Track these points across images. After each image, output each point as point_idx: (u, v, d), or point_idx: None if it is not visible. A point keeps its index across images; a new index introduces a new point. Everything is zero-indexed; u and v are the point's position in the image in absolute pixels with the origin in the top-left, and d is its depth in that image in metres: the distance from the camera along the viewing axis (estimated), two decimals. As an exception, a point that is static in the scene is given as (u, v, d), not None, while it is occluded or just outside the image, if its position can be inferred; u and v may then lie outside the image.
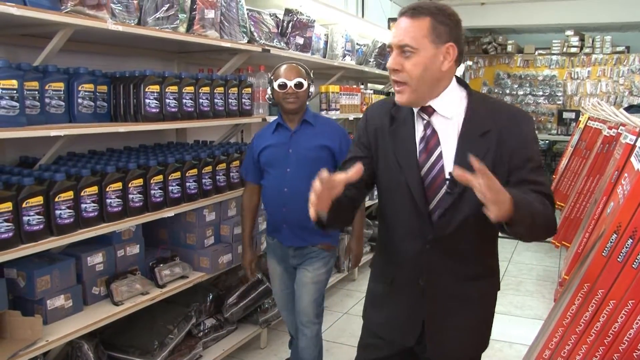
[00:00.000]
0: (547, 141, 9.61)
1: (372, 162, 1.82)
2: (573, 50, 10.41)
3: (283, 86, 2.70)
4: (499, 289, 1.89)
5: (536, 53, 10.91)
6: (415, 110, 1.73)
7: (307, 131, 2.79)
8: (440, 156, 1.68)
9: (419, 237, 1.73)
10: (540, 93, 10.97)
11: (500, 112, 1.69)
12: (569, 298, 1.91)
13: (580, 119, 5.90)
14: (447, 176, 1.66)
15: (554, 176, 6.06)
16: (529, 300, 4.79)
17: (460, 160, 1.60)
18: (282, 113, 2.83)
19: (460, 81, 1.73)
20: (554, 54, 10.72)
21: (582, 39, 10.32)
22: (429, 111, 1.69)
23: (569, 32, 10.29)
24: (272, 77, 2.78)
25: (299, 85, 2.72)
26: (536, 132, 1.81)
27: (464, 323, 1.78)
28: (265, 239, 3.14)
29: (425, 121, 1.71)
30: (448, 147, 1.67)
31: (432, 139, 1.69)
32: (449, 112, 1.68)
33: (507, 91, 11.24)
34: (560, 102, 10.81)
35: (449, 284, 1.76)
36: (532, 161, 1.66)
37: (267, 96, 2.90)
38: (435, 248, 1.72)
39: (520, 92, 11.13)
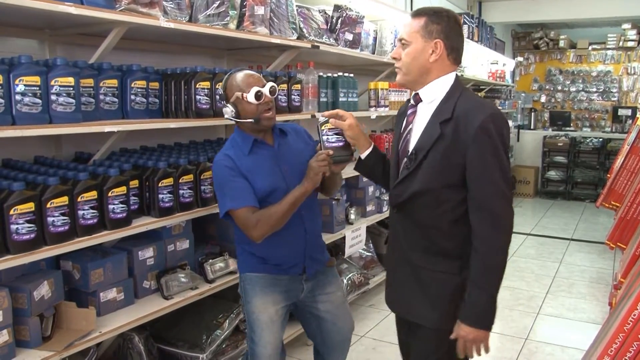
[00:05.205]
0: (600, 139, 9.31)
1: None
2: (630, 44, 10.07)
3: (259, 96, 2.21)
4: None
5: (590, 48, 10.61)
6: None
7: (287, 141, 2.36)
8: (409, 133, 1.97)
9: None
10: (594, 89, 10.67)
11: (464, 105, 1.84)
12: (631, 302, 1.84)
13: (638, 115, 5.69)
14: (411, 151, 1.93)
15: (608, 175, 5.87)
16: (582, 303, 4.64)
17: (421, 140, 1.89)
18: (251, 132, 2.30)
19: (457, 82, 1.93)
20: (609, 49, 10.40)
21: (640, 33, 9.97)
22: (417, 99, 1.97)
23: (626, 26, 9.96)
24: (236, 92, 2.24)
25: (274, 91, 2.29)
26: (506, 131, 1.83)
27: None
28: (248, 280, 2.39)
29: (412, 106, 2.01)
30: (418, 128, 1.94)
31: (409, 119, 2.00)
32: (429, 97, 1.93)
33: (559, 87, 10.98)
34: (615, 99, 10.48)
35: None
36: (489, 183, 1.80)
37: (227, 116, 2.29)
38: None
39: (573, 89, 10.86)
